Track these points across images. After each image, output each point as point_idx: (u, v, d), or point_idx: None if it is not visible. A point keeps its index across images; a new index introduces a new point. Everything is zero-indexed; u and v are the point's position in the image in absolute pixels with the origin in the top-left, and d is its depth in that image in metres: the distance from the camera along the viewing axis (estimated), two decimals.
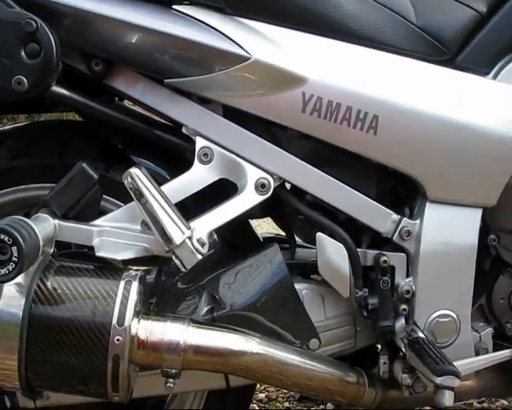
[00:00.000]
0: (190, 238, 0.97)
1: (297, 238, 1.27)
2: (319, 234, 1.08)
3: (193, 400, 1.22)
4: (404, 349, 1.09)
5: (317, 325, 1.13)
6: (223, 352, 0.97)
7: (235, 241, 1.17)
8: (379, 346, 1.17)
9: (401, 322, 1.12)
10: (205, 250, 0.99)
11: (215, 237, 1.09)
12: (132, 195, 0.97)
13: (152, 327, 0.95)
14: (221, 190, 1.07)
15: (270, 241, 1.25)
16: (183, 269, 0.97)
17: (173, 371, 0.95)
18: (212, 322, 1.06)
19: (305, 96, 1.02)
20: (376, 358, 1.12)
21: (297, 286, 1.12)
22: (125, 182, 0.96)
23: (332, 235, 1.08)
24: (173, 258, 0.97)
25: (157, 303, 1.07)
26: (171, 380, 0.96)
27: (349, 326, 1.16)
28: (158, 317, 0.97)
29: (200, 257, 0.97)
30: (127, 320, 0.91)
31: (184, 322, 0.97)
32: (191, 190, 1.05)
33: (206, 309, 1.08)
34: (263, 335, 1.03)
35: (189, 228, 0.98)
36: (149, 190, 0.96)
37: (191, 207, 1.06)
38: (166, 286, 1.09)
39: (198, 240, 0.98)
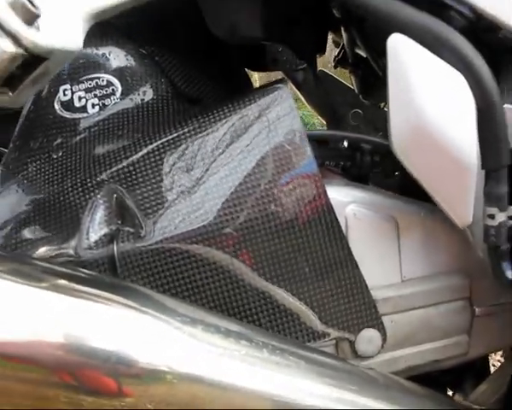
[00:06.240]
0: None
1: None
2: (394, 36, 0.39)
3: None
4: None
5: (381, 294, 0.46)
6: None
7: (197, 92, 0.52)
8: None
9: None
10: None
11: None
12: None
13: None
14: None
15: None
16: None
17: None
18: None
19: None
20: None
21: (334, 194, 0.44)
22: None
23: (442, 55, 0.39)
24: None
25: None
26: None
27: (458, 304, 0.48)
28: None
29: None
30: None
31: None
32: None
33: (97, 235, 0.42)
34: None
35: None
36: None
37: None
38: None
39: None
